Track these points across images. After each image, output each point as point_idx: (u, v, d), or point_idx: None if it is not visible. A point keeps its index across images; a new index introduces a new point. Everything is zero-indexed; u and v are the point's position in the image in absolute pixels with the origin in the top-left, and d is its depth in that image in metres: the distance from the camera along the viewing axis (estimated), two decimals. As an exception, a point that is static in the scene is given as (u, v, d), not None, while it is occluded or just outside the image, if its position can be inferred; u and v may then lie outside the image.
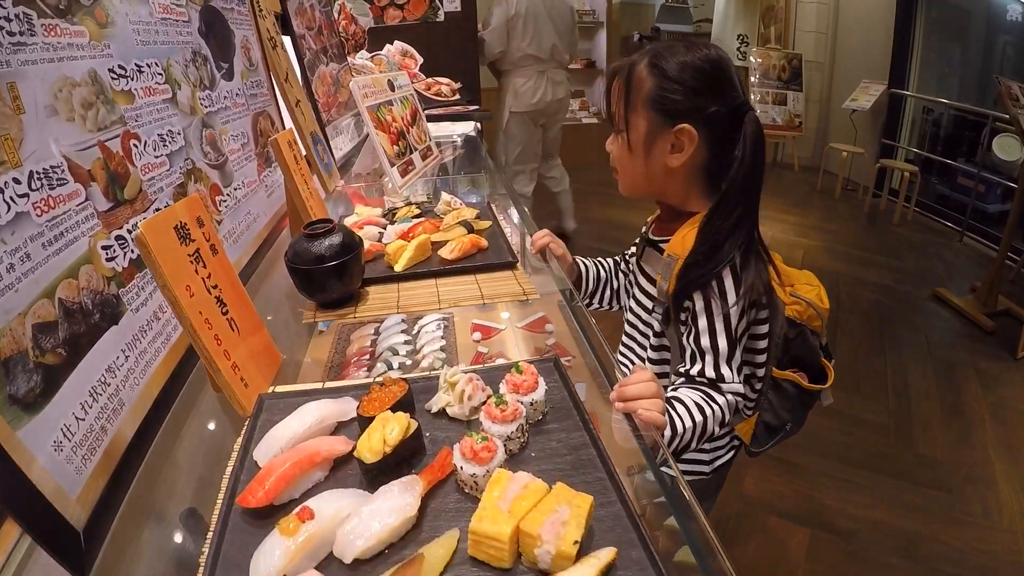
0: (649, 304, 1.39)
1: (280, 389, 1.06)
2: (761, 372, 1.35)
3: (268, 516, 0.78)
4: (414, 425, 0.87)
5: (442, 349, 1.26)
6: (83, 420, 0.83)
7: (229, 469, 0.88)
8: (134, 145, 1.13)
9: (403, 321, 1.36)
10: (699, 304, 1.20)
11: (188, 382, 1.14)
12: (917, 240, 5.79)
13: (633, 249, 1.58)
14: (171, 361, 1.11)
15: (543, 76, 4.91)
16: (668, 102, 1.21)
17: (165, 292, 0.93)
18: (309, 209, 1.63)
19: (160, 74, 1.29)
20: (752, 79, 7.88)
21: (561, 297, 1.49)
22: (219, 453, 0.96)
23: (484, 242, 1.65)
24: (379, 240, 1.71)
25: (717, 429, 1.16)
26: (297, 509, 0.74)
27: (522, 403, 0.91)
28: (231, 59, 1.77)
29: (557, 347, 1.33)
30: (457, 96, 3.65)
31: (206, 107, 1.52)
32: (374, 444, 0.81)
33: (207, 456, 1.05)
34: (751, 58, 8.02)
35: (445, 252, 1.58)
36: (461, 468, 0.81)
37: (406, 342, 1.30)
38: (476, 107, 3.76)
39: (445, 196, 1.93)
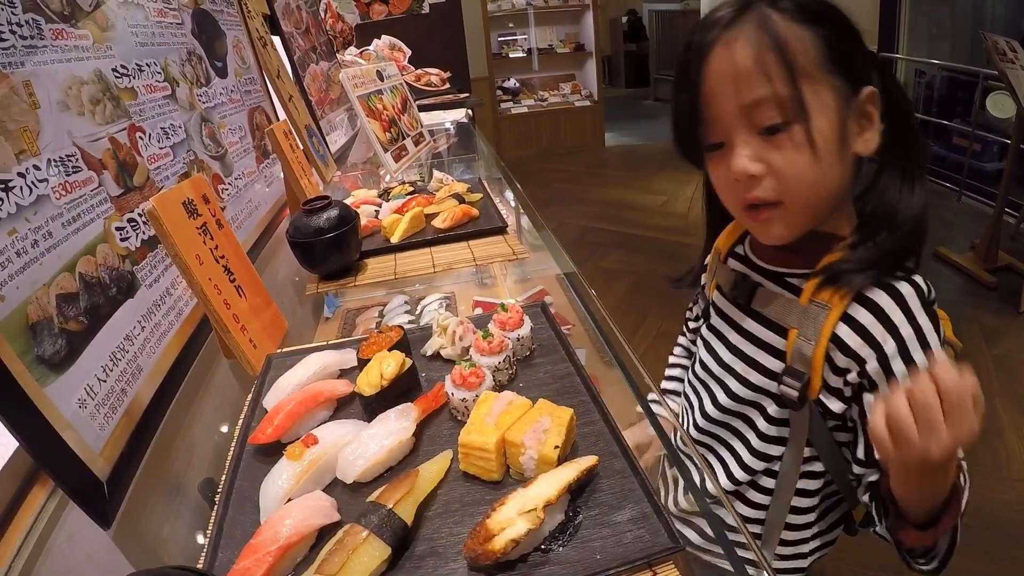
0: (771, 366, 0.95)
1: (287, 349, 1.15)
2: None
3: (277, 453, 0.84)
4: (409, 362, 0.95)
5: (445, 327, 1.31)
6: (104, 382, 0.91)
7: (241, 419, 0.96)
8: (139, 137, 1.21)
9: (406, 303, 1.42)
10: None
11: (201, 352, 1.21)
12: (916, 202, 5.77)
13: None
14: (184, 333, 1.19)
15: None
16: (847, 53, 0.81)
17: (177, 261, 1.01)
18: (308, 195, 1.70)
19: (159, 73, 1.37)
20: (744, 53, 7.87)
21: (558, 274, 1.52)
22: (233, 413, 1.04)
23: (475, 211, 1.72)
24: (376, 216, 1.78)
25: None
26: (302, 436, 0.83)
27: (508, 338, 0.99)
28: (224, 58, 1.85)
29: (558, 317, 1.36)
30: (447, 85, 3.72)
31: (204, 103, 1.60)
32: (372, 378, 0.89)
33: (222, 418, 1.12)
34: (741, 32, 7.99)
35: (438, 222, 1.65)
36: (452, 394, 0.89)
37: (410, 322, 1.35)
38: (467, 95, 3.82)
39: (437, 174, 2.01)
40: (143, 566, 0.60)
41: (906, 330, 0.82)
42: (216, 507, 0.79)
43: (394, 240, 1.61)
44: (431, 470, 0.78)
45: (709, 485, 0.92)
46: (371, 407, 0.90)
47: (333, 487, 0.81)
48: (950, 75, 6.27)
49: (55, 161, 0.92)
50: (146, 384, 1.02)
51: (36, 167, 0.87)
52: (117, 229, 1.05)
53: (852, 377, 0.85)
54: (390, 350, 0.97)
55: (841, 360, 0.85)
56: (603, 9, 8.63)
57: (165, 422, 1.03)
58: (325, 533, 0.72)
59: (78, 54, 1.06)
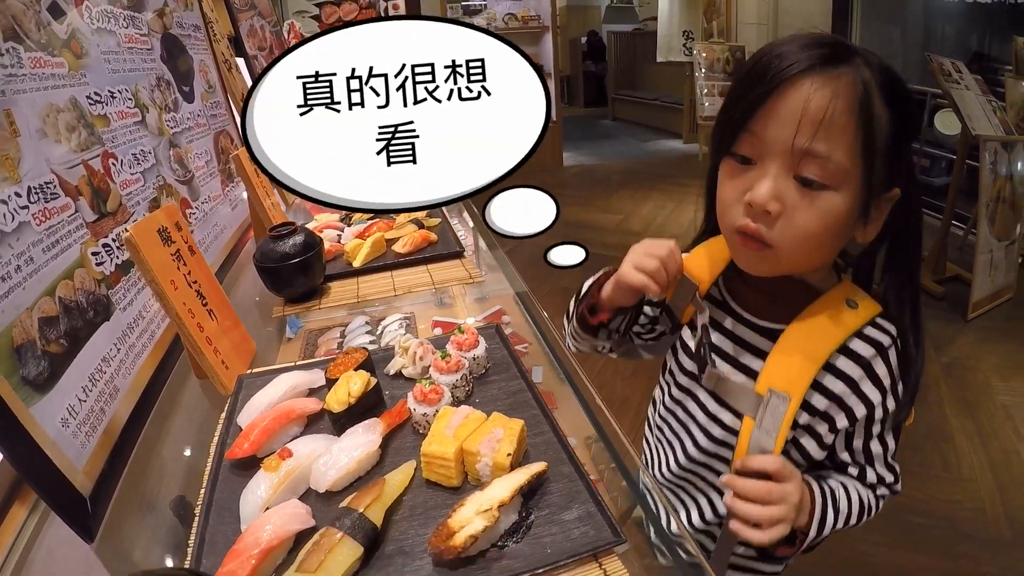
0: (723, 438, 0.94)
1: (257, 370, 1.20)
2: None
3: (252, 467, 0.90)
4: (374, 381, 1.02)
5: (404, 346, 1.36)
6: (84, 402, 0.96)
7: (216, 436, 1.02)
8: (112, 164, 1.24)
9: (367, 323, 1.46)
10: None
11: (173, 372, 1.26)
12: (867, 219, 5.91)
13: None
14: (157, 354, 1.23)
15: None
16: (900, 148, 0.79)
17: (153, 286, 1.06)
18: (272, 218, 1.76)
19: (130, 99, 1.40)
20: (698, 73, 8.04)
21: (514, 293, 1.58)
22: (205, 431, 1.08)
23: (434, 236, 1.80)
24: (338, 241, 1.84)
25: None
26: (278, 450, 0.89)
27: (465, 358, 1.06)
28: (191, 82, 1.88)
29: (513, 336, 1.41)
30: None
31: (172, 128, 1.63)
32: (340, 396, 0.96)
33: (195, 435, 1.17)
34: (696, 53, 8.16)
35: (398, 247, 1.72)
36: (414, 410, 0.96)
37: (371, 342, 1.38)
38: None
39: (397, 198, 2.05)
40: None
41: (881, 389, 0.85)
42: (197, 517, 0.85)
43: (356, 264, 1.67)
44: (396, 479, 0.85)
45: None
46: (340, 422, 0.96)
47: (307, 496, 0.88)
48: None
49: (35, 188, 0.96)
50: (123, 403, 1.07)
51: (18, 194, 0.91)
52: (93, 254, 1.09)
53: (841, 423, 0.87)
54: (356, 370, 1.03)
55: (808, 418, 0.87)
56: (563, 30, 8.72)
57: (141, 440, 1.08)
58: (302, 538, 0.78)
59: (55, 82, 1.10)
